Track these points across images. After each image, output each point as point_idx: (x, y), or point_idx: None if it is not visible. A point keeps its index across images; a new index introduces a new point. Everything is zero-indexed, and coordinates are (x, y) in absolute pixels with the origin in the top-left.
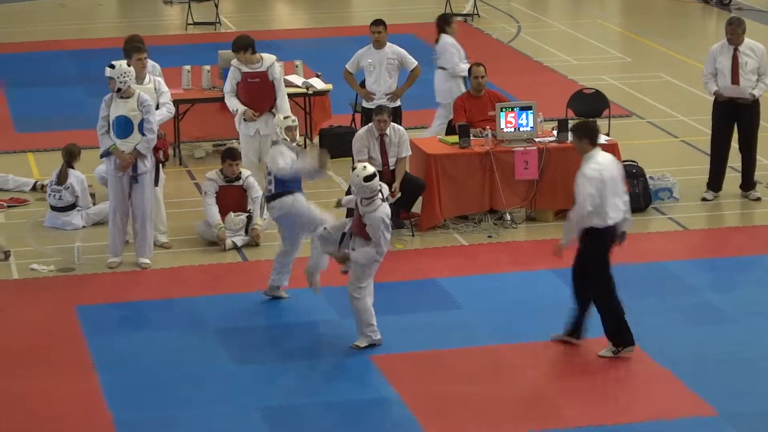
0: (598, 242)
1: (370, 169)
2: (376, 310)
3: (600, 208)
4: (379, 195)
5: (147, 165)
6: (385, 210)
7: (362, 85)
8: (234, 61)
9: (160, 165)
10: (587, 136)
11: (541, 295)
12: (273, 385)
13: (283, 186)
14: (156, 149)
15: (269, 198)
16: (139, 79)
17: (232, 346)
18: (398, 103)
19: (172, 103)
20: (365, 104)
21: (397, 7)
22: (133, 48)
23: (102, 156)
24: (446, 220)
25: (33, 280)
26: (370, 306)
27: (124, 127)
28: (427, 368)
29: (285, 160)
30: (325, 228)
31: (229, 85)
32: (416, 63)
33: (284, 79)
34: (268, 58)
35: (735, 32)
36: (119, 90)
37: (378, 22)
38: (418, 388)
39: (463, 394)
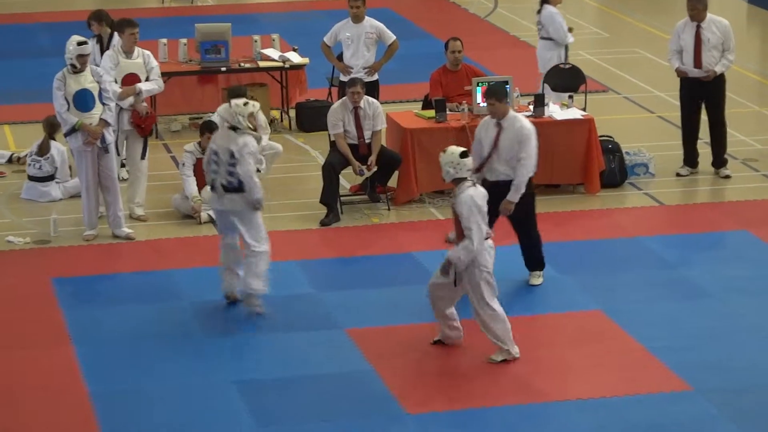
0: (531, 186)
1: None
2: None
3: None
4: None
5: (112, 135)
6: (478, 191)
7: (339, 58)
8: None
9: (146, 138)
10: (505, 96)
11: (514, 270)
12: (248, 359)
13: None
14: (141, 123)
15: (229, 189)
16: (129, 53)
17: (207, 319)
18: (376, 77)
19: (161, 78)
20: (342, 78)
21: None
22: (125, 22)
23: (67, 134)
24: (422, 195)
25: (8, 252)
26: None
27: (86, 100)
28: (402, 342)
29: (252, 163)
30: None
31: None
32: (394, 37)
33: (261, 53)
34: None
35: (695, 8)
36: (73, 65)
37: None
38: (394, 361)
39: (439, 367)
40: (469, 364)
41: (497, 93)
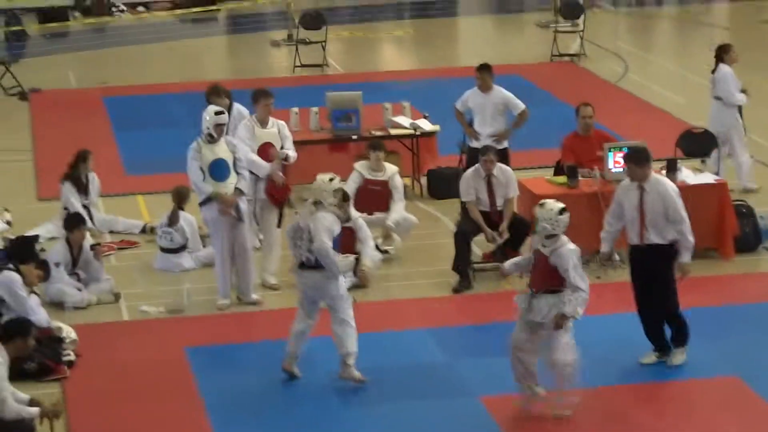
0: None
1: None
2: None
3: None
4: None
5: (246, 204)
6: (573, 246)
7: (470, 124)
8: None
9: (282, 208)
10: (649, 159)
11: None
12: (382, 427)
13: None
14: (276, 194)
15: (307, 266)
16: (264, 122)
17: (342, 389)
18: (505, 144)
19: (293, 148)
20: (472, 144)
21: (504, 47)
22: (260, 92)
23: (202, 204)
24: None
25: (143, 322)
26: None
27: (222, 170)
28: (536, 409)
29: (326, 239)
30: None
31: None
32: (524, 106)
33: (392, 120)
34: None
35: None
36: (210, 135)
37: (482, 68)
38: (527, 428)
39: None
40: (599, 428)
41: (632, 158)
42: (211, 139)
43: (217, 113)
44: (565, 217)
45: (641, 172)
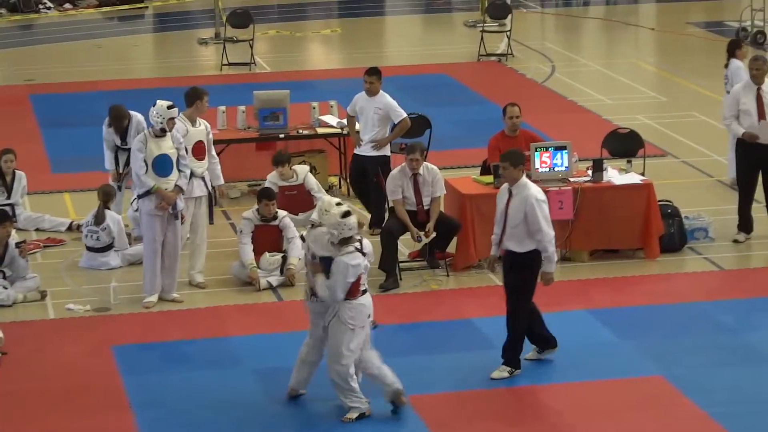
0: (538, 262)
1: (345, 205)
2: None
3: None
4: (356, 244)
5: (183, 201)
6: (357, 259)
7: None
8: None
9: (213, 203)
10: (522, 162)
11: (574, 335)
12: (309, 426)
13: None
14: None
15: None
16: (193, 121)
17: (268, 386)
18: (387, 152)
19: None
20: (356, 150)
21: (431, 46)
22: (200, 91)
23: (141, 196)
24: (481, 260)
25: (69, 320)
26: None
27: (166, 165)
28: (460, 408)
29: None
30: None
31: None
32: (404, 115)
33: (320, 119)
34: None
35: (761, 68)
36: (163, 129)
37: (370, 72)
38: (454, 427)
39: None
40: (529, 430)
41: (511, 157)
42: (162, 134)
43: (170, 107)
44: (349, 220)
45: (515, 173)
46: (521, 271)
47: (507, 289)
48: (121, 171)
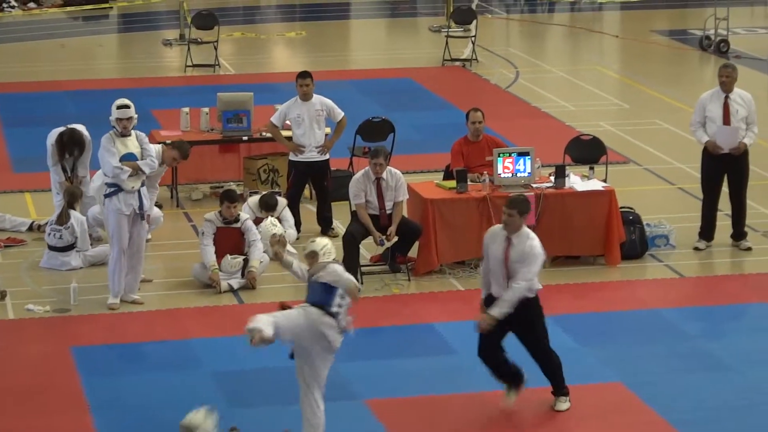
0: (538, 306)
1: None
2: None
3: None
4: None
5: (149, 200)
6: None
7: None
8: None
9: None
10: (528, 211)
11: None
12: (269, 429)
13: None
14: None
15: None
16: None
17: (227, 389)
18: (327, 156)
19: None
20: (292, 157)
21: (395, 50)
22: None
23: (108, 195)
24: (443, 265)
25: (28, 320)
26: None
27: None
28: (421, 413)
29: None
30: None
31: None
32: (343, 114)
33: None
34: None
35: (730, 75)
36: (125, 129)
37: (305, 75)
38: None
39: None
40: None
41: (519, 205)
42: (116, 133)
43: (119, 107)
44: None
45: (521, 221)
46: (528, 317)
47: (521, 340)
48: (70, 176)
